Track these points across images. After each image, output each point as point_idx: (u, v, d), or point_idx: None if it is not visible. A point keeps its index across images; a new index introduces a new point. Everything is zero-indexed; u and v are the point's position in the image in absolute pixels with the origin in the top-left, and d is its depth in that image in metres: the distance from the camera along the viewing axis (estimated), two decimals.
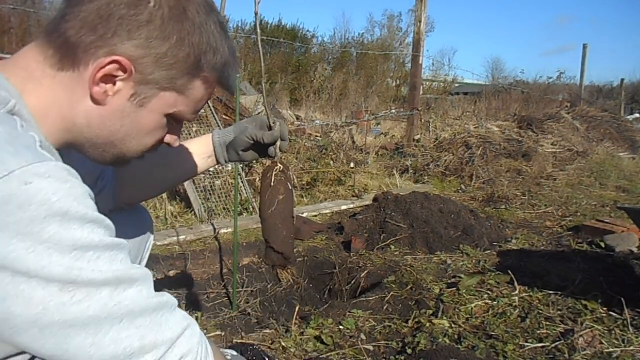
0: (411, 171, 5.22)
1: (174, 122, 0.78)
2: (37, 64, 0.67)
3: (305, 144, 4.99)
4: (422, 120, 6.24)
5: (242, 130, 1.11)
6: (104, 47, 0.65)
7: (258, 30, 1.03)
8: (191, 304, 2.21)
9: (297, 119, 7.69)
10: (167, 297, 0.68)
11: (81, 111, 0.69)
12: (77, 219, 0.56)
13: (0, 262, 0.53)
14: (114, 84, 0.68)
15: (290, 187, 1.12)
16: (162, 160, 1.11)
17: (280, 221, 1.11)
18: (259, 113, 6.23)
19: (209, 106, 4.04)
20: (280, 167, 1.11)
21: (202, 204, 3.38)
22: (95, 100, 0.69)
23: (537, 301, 1.99)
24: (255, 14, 1.01)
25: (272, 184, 1.10)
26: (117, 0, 0.65)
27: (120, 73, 0.67)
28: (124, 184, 1.09)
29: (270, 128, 1.10)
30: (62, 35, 0.66)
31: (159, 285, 2.31)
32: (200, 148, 1.14)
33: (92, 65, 0.66)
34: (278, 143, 1.10)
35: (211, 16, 0.72)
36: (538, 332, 1.75)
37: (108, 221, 0.62)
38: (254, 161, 4.09)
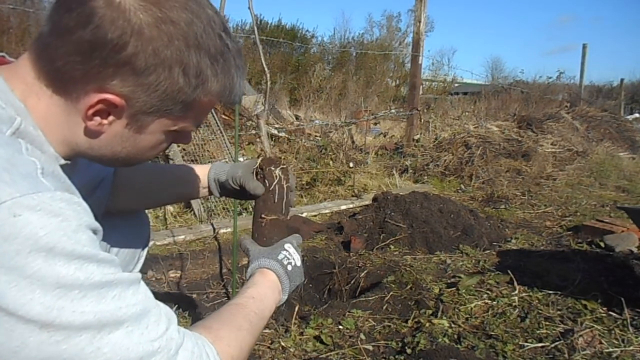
0: (411, 171, 5.22)
1: (178, 135, 0.77)
2: (33, 80, 0.66)
3: (305, 144, 4.99)
4: (422, 120, 6.24)
5: (232, 174, 1.07)
6: (92, 83, 0.64)
7: (256, 31, 1.03)
8: (191, 304, 2.21)
9: (297, 118, 7.69)
10: (165, 342, 0.62)
11: (81, 135, 0.69)
12: (64, 255, 0.54)
13: None
14: (108, 116, 0.67)
15: (287, 190, 1.07)
16: (162, 177, 1.11)
17: (275, 232, 1.06)
18: (259, 113, 6.23)
19: None
20: (280, 167, 1.06)
21: (202, 204, 3.38)
22: (91, 133, 0.68)
23: (537, 301, 1.98)
24: (254, 17, 1.00)
25: (271, 190, 1.04)
26: (101, 35, 0.61)
27: (112, 108, 0.66)
28: (120, 193, 1.07)
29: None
30: (51, 63, 0.64)
31: (158, 286, 2.31)
32: (197, 178, 1.13)
33: (83, 99, 0.65)
34: (264, 128, 1.06)
35: (207, 34, 0.68)
36: (538, 332, 1.75)
37: (104, 255, 0.59)
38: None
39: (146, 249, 1.15)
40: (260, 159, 1.06)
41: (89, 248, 0.57)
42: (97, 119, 0.67)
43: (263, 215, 1.04)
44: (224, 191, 1.13)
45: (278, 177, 1.03)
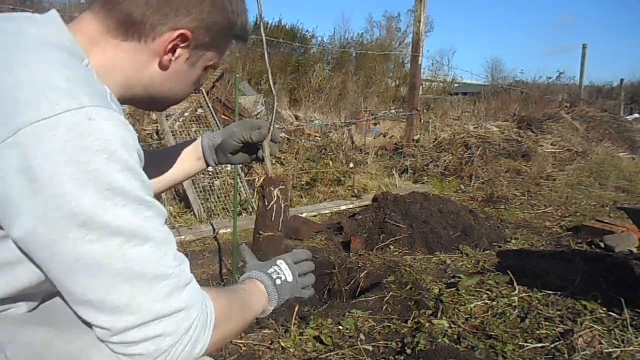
0: (411, 171, 5.22)
1: (206, 72, 0.93)
2: (99, 34, 0.77)
3: (305, 144, 4.99)
4: (422, 121, 6.24)
5: (230, 134, 1.15)
6: (168, 24, 0.78)
7: (263, 31, 1.06)
8: None
9: (297, 119, 7.69)
10: (178, 272, 0.69)
11: (146, 75, 0.82)
12: (121, 163, 0.63)
13: (47, 180, 0.59)
14: (175, 52, 0.81)
15: (284, 209, 1.12)
16: (154, 160, 1.12)
17: (271, 247, 1.13)
18: (258, 114, 6.23)
19: (209, 107, 4.04)
20: (279, 188, 1.11)
21: (202, 204, 3.38)
22: (162, 67, 0.82)
23: (537, 302, 1.98)
24: (260, 16, 1.05)
25: (269, 208, 1.11)
26: None
27: (181, 43, 0.80)
28: None
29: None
30: (124, 13, 0.76)
31: None
32: (191, 151, 1.18)
33: (159, 38, 0.78)
34: (268, 148, 1.12)
35: None
36: (538, 332, 1.75)
37: (148, 181, 0.68)
38: (253, 162, 4.08)
39: None
40: (263, 178, 1.13)
41: (137, 166, 0.66)
42: (169, 55, 0.80)
43: (260, 232, 1.12)
44: (221, 157, 1.19)
45: (277, 197, 1.10)
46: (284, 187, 1.12)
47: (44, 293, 0.74)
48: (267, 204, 1.11)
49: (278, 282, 0.97)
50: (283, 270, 0.99)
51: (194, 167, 1.19)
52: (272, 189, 1.11)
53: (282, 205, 1.11)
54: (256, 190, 1.16)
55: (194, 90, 0.95)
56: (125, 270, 0.64)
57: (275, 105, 1.18)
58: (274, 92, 1.16)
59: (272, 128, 1.11)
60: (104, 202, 0.62)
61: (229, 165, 3.78)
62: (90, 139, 0.61)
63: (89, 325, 0.67)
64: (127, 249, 0.64)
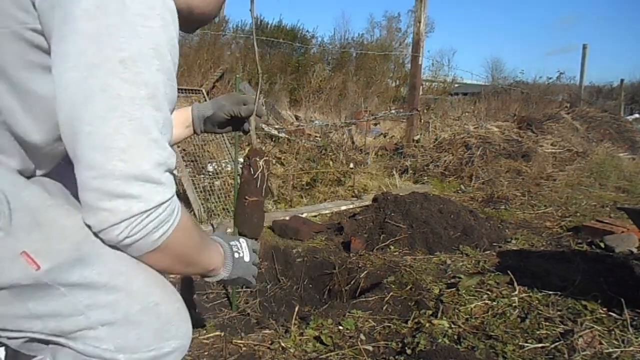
0: (411, 171, 5.22)
1: None
2: None
3: (305, 144, 4.99)
4: (422, 121, 6.24)
5: (219, 107, 1.25)
6: None
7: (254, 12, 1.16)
8: (191, 305, 2.21)
9: (297, 119, 7.69)
10: (169, 154, 0.75)
11: None
12: (169, 36, 0.72)
13: (113, 11, 0.67)
14: None
15: (267, 177, 1.26)
16: None
17: (255, 211, 1.27)
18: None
19: None
20: (264, 159, 1.23)
21: (202, 204, 3.38)
22: None
23: (537, 302, 1.98)
24: (251, 10, 1.14)
25: (254, 176, 1.24)
26: None
27: None
28: None
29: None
30: None
31: None
32: (181, 118, 1.25)
33: None
34: (254, 122, 1.23)
35: None
36: (538, 332, 1.75)
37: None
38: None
39: None
40: (248, 149, 1.25)
41: (176, 50, 0.75)
42: None
43: (246, 197, 1.25)
44: (208, 127, 1.29)
45: (261, 167, 1.22)
46: (267, 158, 1.25)
47: (53, 156, 0.83)
48: (252, 172, 1.23)
49: (236, 255, 0.99)
50: (243, 248, 1.02)
51: (182, 134, 1.27)
52: (258, 159, 1.23)
53: (266, 174, 1.25)
54: (243, 159, 1.28)
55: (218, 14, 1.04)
56: (137, 118, 0.69)
57: (261, 83, 1.29)
58: (259, 70, 1.28)
59: (257, 104, 1.22)
60: (147, 54, 0.69)
61: (229, 166, 3.78)
62: (159, 3, 0.71)
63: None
64: (147, 103, 0.70)
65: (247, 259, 1.01)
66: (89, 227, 0.74)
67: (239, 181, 1.37)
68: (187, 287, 2.38)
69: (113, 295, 0.79)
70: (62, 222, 0.76)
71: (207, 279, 0.98)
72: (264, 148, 4.30)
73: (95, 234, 0.74)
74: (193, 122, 1.26)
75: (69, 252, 0.75)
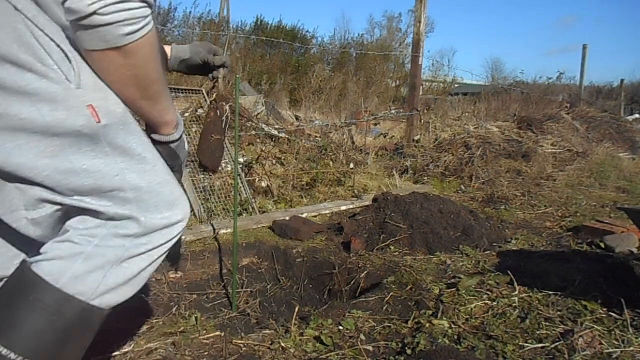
0: (411, 172, 5.22)
1: None
2: None
3: (305, 144, 4.99)
4: (422, 121, 6.24)
5: (196, 52, 1.39)
6: None
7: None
8: (191, 305, 2.21)
9: (297, 119, 7.69)
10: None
11: None
12: None
13: None
14: None
15: (229, 119, 1.50)
16: None
17: (217, 147, 1.50)
18: (258, 114, 6.23)
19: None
20: (229, 104, 1.43)
21: (202, 204, 3.38)
22: None
23: (537, 302, 1.98)
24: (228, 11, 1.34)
25: (220, 118, 1.46)
26: None
27: None
28: None
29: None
30: None
31: (158, 286, 2.31)
32: (164, 54, 1.36)
33: None
34: (222, 71, 1.42)
35: None
36: (538, 332, 1.75)
37: None
38: (253, 161, 4.09)
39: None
40: (215, 94, 1.43)
41: None
42: None
43: (212, 135, 1.47)
44: (180, 67, 1.42)
45: (226, 110, 1.43)
46: (231, 103, 1.45)
47: None
48: (219, 114, 1.46)
49: (184, 137, 1.15)
50: (184, 141, 1.18)
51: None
52: (224, 104, 1.46)
53: (229, 117, 1.49)
54: (209, 102, 1.55)
55: None
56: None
57: (228, 36, 1.54)
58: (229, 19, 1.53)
59: (226, 54, 1.43)
60: None
61: (229, 166, 3.78)
62: None
63: None
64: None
65: (185, 149, 1.17)
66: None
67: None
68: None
69: (143, 165, 0.95)
70: (112, 91, 0.91)
71: (156, 137, 1.07)
72: (264, 148, 4.34)
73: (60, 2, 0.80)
74: (169, 60, 1.38)
75: (120, 116, 0.91)
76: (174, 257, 2.61)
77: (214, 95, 1.43)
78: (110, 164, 0.90)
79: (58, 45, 0.83)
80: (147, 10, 0.83)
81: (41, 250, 0.93)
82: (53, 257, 0.91)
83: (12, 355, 0.83)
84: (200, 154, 1.49)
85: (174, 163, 1.12)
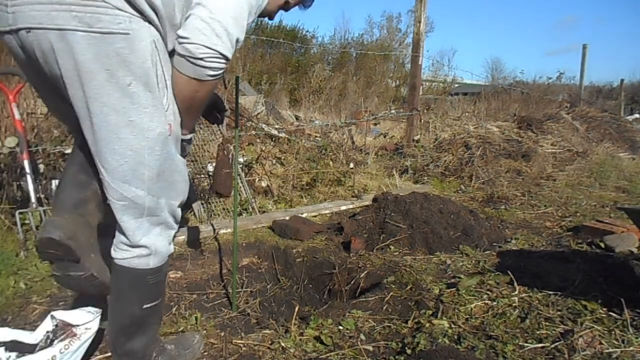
0: (411, 171, 5.22)
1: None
2: None
3: (305, 144, 4.99)
4: (422, 121, 6.24)
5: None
6: None
7: None
8: (191, 305, 2.21)
9: (297, 119, 7.69)
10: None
11: None
12: None
13: None
14: None
15: (234, 156, 2.05)
16: None
17: (228, 178, 2.01)
18: (258, 114, 6.23)
19: None
20: (233, 145, 1.91)
21: (202, 204, 3.38)
22: None
23: (537, 302, 1.98)
24: None
25: (228, 156, 2.00)
26: None
27: None
28: None
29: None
30: None
31: None
32: None
33: None
34: (225, 119, 1.78)
35: None
36: (538, 332, 1.75)
37: None
38: (253, 161, 4.09)
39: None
40: (222, 138, 1.73)
41: None
42: None
43: (223, 169, 1.99)
44: None
45: (231, 150, 1.92)
46: (234, 144, 1.96)
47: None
48: (226, 153, 1.98)
49: (192, 139, 1.52)
50: (191, 142, 1.53)
51: None
52: (229, 145, 2.04)
53: (234, 155, 2.04)
54: (218, 145, 2.07)
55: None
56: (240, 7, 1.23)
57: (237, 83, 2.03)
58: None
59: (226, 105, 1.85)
60: None
61: None
62: None
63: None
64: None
65: (190, 147, 1.55)
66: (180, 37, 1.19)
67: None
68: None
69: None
70: (180, 119, 1.35)
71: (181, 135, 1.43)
72: (264, 148, 4.41)
73: (181, 42, 1.17)
74: None
75: (177, 133, 1.36)
76: (174, 257, 2.61)
77: (221, 140, 1.81)
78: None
79: (166, 81, 1.23)
80: (226, 64, 1.22)
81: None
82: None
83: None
84: (216, 185, 2.01)
85: (183, 154, 1.44)
